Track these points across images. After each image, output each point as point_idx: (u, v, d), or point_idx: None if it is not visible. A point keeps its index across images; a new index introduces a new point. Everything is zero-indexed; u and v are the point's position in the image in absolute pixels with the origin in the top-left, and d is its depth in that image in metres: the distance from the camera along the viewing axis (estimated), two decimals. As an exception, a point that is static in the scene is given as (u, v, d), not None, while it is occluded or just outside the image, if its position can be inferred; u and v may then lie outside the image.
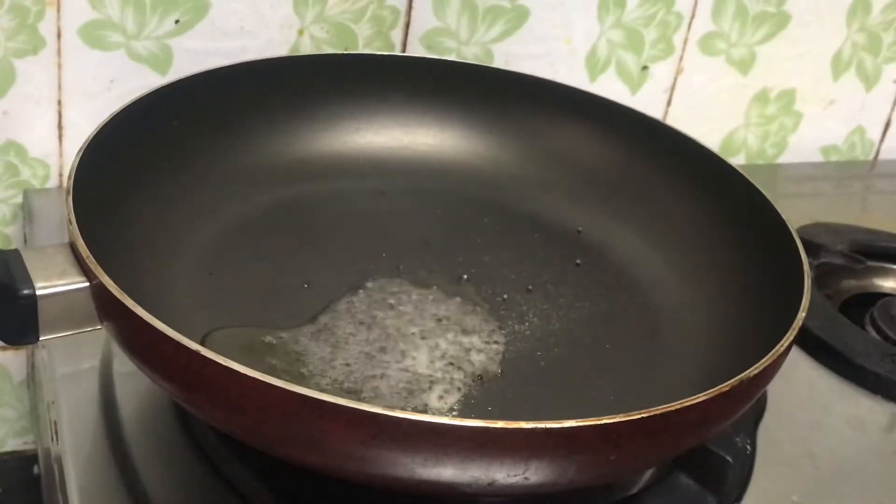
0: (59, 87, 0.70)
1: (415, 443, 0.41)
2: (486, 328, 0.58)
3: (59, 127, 0.72)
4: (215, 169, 0.64)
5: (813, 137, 0.94)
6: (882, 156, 0.98)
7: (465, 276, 0.62)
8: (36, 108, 0.70)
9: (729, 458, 0.54)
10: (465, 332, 0.58)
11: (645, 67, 0.85)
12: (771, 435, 0.60)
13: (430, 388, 0.54)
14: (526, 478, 0.42)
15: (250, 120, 0.66)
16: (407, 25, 0.76)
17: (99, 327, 0.48)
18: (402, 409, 0.41)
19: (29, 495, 0.79)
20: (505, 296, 0.61)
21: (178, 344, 0.43)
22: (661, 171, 0.67)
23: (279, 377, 0.41)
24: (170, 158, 0.61)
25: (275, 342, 0.55)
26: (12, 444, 0.82)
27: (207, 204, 0.62)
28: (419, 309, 0.59)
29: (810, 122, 0.93)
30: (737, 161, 0.91)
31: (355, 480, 0.45)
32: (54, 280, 0.47)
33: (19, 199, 0.73)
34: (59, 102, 0.71)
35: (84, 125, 0.70)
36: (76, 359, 0.60)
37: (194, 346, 0.42)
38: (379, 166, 0.69)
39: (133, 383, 0.57)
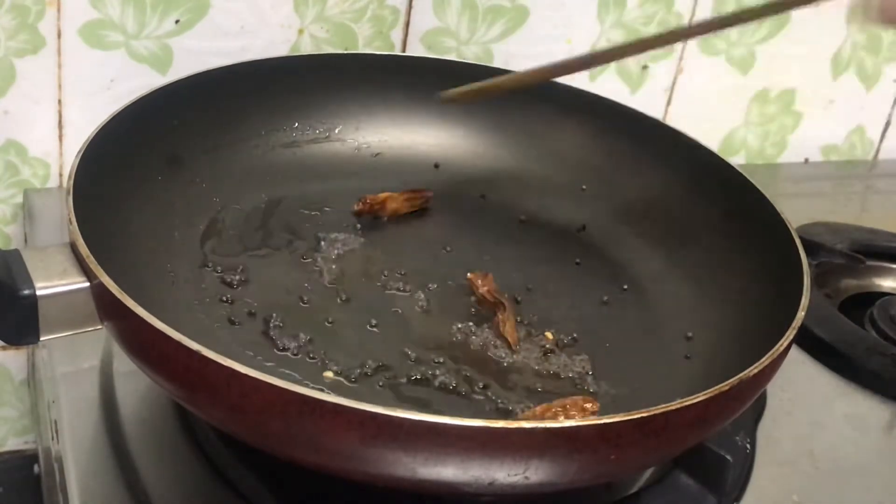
0: (60, 86, 0.70)
1: (415, 442, 0.41)
2: (486, 327, 0.58)
3: (60, 126, 0.72)
4: (215, 168, 0.64)
5: (813, 137, 0.94)
6: (882, 155, 0.98)
7: (466, 275, 0.62)
8: (36, 107, 0.70)
9: (729, 458, 0.54)
10: (465, 330, 0.58)
11: (645, 67, 0.85)
12: (770, 434, 0.60)
13: (430, 385, 0.54)
14: (526, 477, 0.42)
15: (250, 120, 0.66)
16: (407, 25, 0.76)
17: (99, 327, 0.48)
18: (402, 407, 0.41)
19: (29, 494, 0.79)
20: (505, 294, 0.61)
21: (178, 344, 0.43)
22: (661, 170, 0.67)
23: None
24: (170, 158, 0.61)
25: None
26: (13, 444, 0.82)
27: (207, 203, 0.62)
28: (420, 308, 0.59)
29: (810, 122, 0.93)
30: (737, 160, 0.91)
31: (356, 480, 0.45)
32: (55, 280, 0.47)
33: (19, 199, 0.73)
34: (60, 102, 0.71)
35: (84, 125, 0.70)
36: (76, 358, 0.60)
37: (195, 345, 0.42)
38: (379, 166, 0.69)
39: (133, 383, 0.57)
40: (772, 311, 0.54)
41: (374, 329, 0.57)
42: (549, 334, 0.58)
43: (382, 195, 0.65)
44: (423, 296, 0.60)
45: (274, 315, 0.56)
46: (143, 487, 0.52)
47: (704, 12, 0.84)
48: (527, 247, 0.66)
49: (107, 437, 0.55)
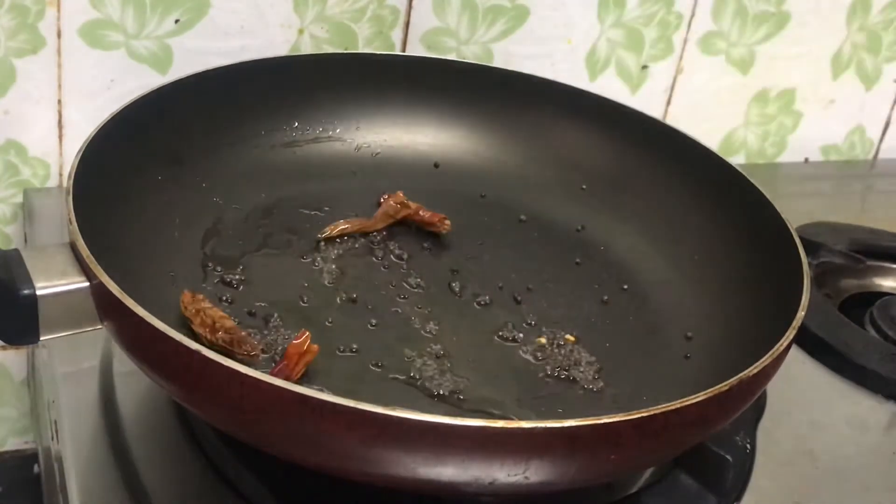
0: (60, 86, 0.70)
1: (416, 442, 0.41)
2: (486, 326, 0.58)
3: (60, 126, 0.72)
4: (215, 168, 0.64)
5: (813, 137, 0.94)
6: (882, 155, 0.98)
7: (466, 274, 0.62)
8: (36, 107, 0.70)
9: (729, 458, 0.54)
10: (465, 329, 0.58)
11: (645, 67, 0.85)
12: (770, 434, 0.60)
13: (430, 384, 0.54)
14: (526, 477, 0.42)
15: (250, 119, 0.66)
16: (407, 25, 0.76)
17: (99, 327, 0.48)
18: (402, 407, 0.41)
19: (29, 494, 0.79)
20: (505, 294, 0.61)
21: (178, 343, 0.43)
22: (661, 170, 0.67)
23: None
24: (170, 158, 0.61)
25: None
26: (12, 444, 0.82)
27: (207, 203, 0.62)
28: (420, 308, 0.59)
29: (810, 122, 0.93)
30: (736, 160, 0.91)
31: (356, 480, 0.45)
32: (55, 280, 0.47)
33: (19, 199, 0.73)
34: (60, 102, 0.71)
35: (84, 125, 0.70)
36: (76, 358, 0.60)
37: (194, 345, 0.42)
38: (379, 166, 0.69)
39: (133, 383, 0.57)
40: (772, 310, 0.54)
41: (374, 329, 0.57)
42: (542, 339, 0.58)
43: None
44: (422, 295, 0.60)
45: (274, 315, 0.56)
46: (143, 487, 0.52)
47: (704, 12, 0.84)
48: (527, 246, 0.66)
49: (106, 437, 0.55)
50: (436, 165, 0.70)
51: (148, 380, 0.47)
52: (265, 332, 0.55)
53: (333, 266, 0.61)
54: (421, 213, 0.64)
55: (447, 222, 0.64)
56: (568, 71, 0.82)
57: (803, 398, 0.64)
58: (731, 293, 0.60)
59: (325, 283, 0.60)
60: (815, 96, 0.92)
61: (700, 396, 0.44)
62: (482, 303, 0.60)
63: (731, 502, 0.55)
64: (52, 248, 0.49)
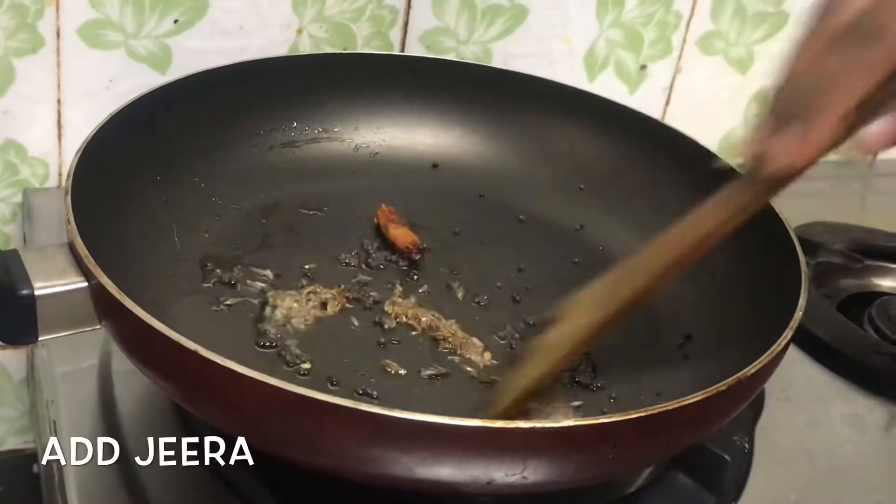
0: (59, 86, 0.70)
1: (413, 442, 0.41)
2: (485, 326, 0.58)
3: (59, 126, 0.72)
4: (214, 168, 0.64)
5: (811, 136, 0.94)
6: (880, 155, 0.98)
7: (465, 274, 0.62)
8: (35, 107, 0.70)
9: (727, 457, 0.55)
10: (463, 329, 0.58)
11: (643, 67, 0.85)
12: (769, 434, 0.60)
13: (431, 384, 0.54)
14: (524, 477, 0.43)
15: (249, 119, 0.66)
16: (406, 25, 0.76)
17: (98, 327, 0.48)
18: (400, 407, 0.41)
19: (28, 494, 0.79)
20: (503, 294, 0.61)
21: (176, 344, 0.43)
22: (660, 170, 0.67)
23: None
24: (168, 158, 0.61)
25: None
26: (12, 443, 0.82)
27: (207, 203, 0.62)
28: (419, 307, 0.59)
29: (809, 121, 0.93)
30: (735, 160, 0.90)
31: (354, 480, 0.45)
32: (53, 280, 0.47)
33: (18, 199, 0.73)
34: (59, 102, 0.71)
35: (83, 124, 0.70)
36: (75, 358, 0.60)
37: (193, 345, 0.42)
38: (378, 165, 0.69)
39: (132, 382, 0.57)
40: (770, 310, 0.54)
41: (374, 327, 0.57)
42: None
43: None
44: (421, 293, 0.60)
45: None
46: (142, 487, 0.52)
47: (703, 12, 0.84)
48: (525, 246, 0.66)
49: (106, 435, 0.55)
50: (434, 165, 0.70)
51: (146, 379, 0.47)
52: (267, 330, 0.55)
53: (333, 265, 0.61)
54: (392, 230, 0.63)
55: (420, 250, 0.62)
56: (567, 71, 0.82)
57: (801, 398, 0.64)
58: (730, 293, 0.60)
59: (325, 282, 0.60)
60: (813, 96, 0.92)
61: (698, 396, 0.45)
62: (481, 303, 0.60)
63: (729, 502, 0.55)
64: (51, 248, 0.49)
